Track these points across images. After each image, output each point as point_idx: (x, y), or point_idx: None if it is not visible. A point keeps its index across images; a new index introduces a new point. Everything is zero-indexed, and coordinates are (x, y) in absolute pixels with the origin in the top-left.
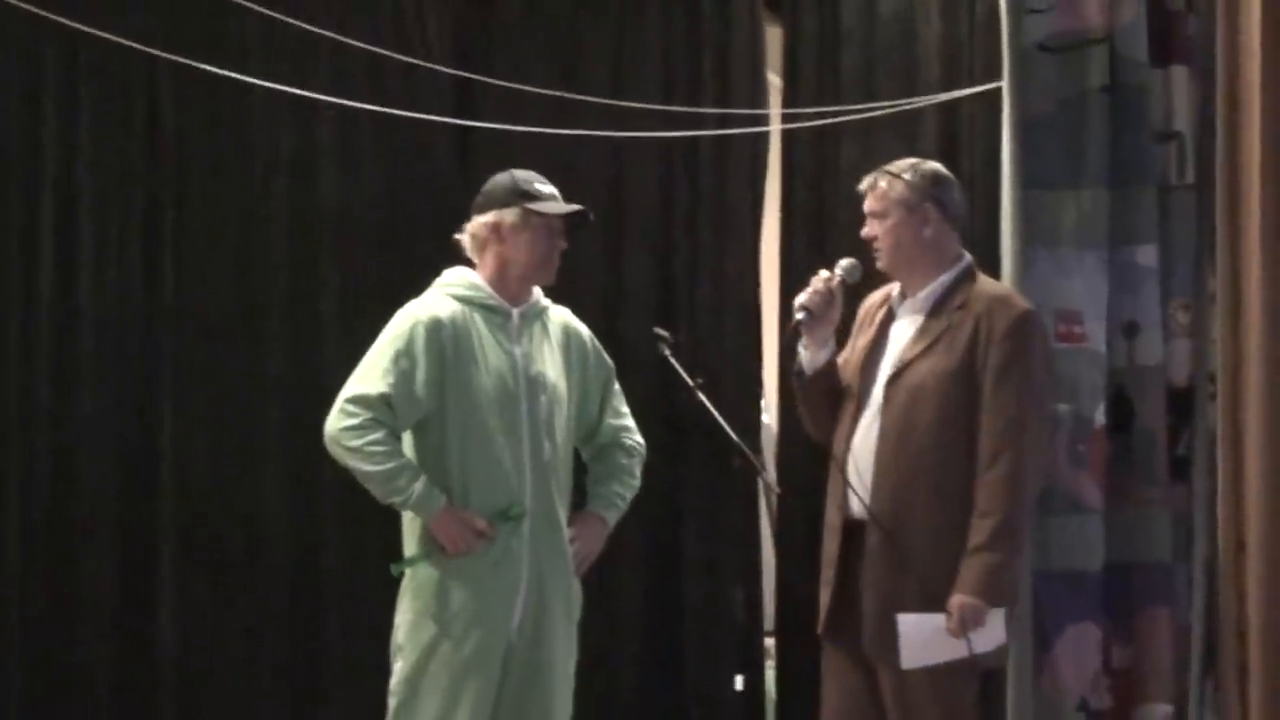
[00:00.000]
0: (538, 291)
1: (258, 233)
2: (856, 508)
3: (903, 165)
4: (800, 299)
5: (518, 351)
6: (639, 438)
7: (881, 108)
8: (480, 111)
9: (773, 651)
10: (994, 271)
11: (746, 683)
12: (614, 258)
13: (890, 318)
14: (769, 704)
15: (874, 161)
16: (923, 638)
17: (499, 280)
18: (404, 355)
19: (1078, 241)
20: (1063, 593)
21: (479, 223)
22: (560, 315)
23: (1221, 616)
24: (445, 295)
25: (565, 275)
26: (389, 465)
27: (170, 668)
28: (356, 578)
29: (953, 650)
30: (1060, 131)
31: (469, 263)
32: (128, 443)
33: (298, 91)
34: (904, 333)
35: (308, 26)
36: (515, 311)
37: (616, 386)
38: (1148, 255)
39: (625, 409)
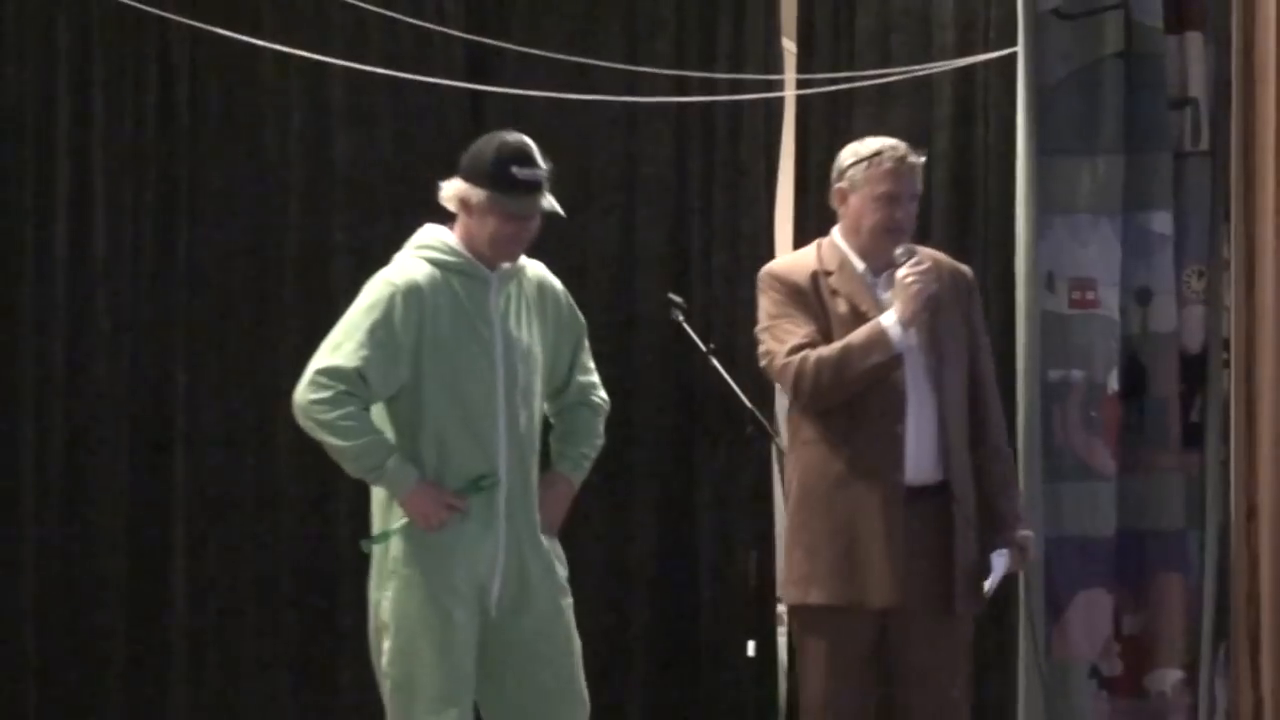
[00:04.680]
0: None
1: (271, 197)
2: (923, 473)
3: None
4: (929, 286)
5: (495, 317)
6: (604, 394)
7: (896, 74)
8: (494, 76)
9: (785, 618)
10: (1008, 238)
11: (759, 648)
12: (628, 224)
13: (871, 286)
14: (780, 670)
15: (889, 128)
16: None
17: (469, 247)
18: (381, 326)
19: (1092, 208)
20: (1074, 559)
21: (452, 189)
22: (535, 272)
23: (1233, 582)
24: (421, 259)
25: (579, 241)
26: (361, 441)
27: (182, 633)
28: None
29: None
30: (1075, 97)
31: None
32: (142, 407)
33: (311, 56)
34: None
35: None
36: (493, 276)
37: (586, 343)
38: (1162, 222)
39: (592, 365)
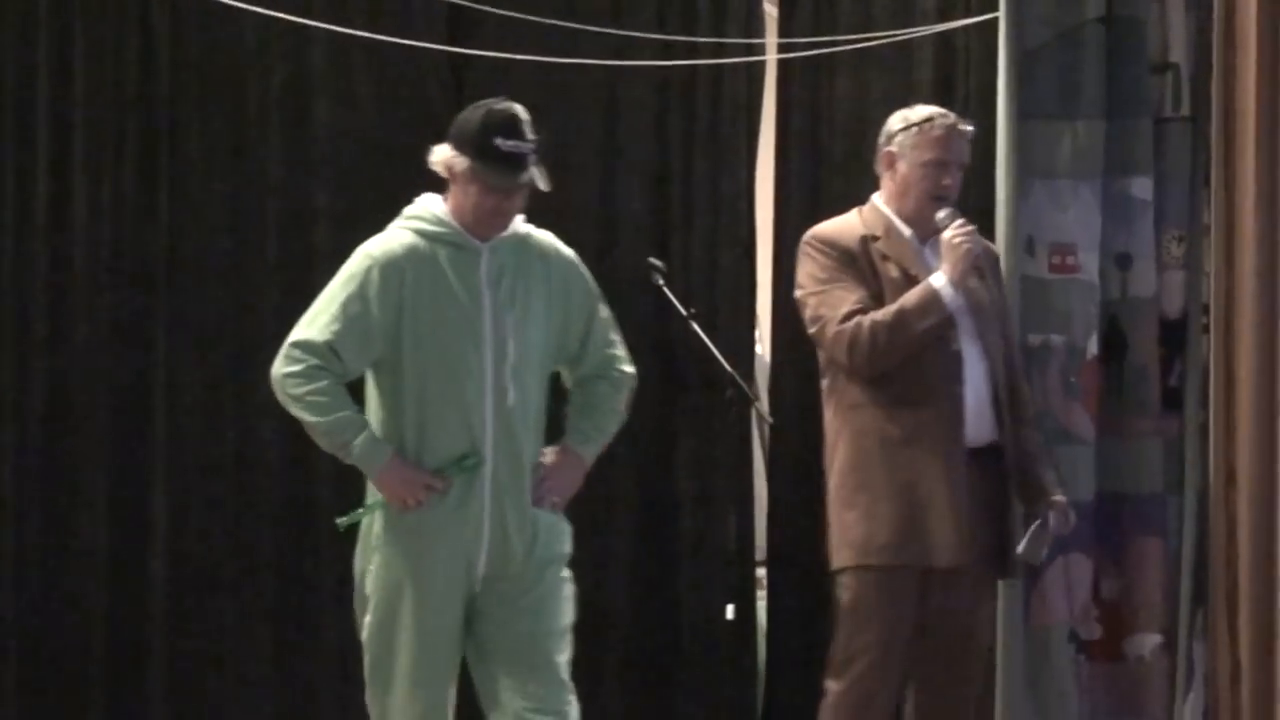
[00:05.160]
0: (517, 220)
1: (252, 160)
2: (979, 435)
3: None
4: (976, 245)
5: (485, 290)
6: (628, 368)
7: (878, 38)
8: (475, 39)
9: (764, 582)
10: (989, 203)
11: (738, 612)
12: (608, 188)
13: (919, 251)
14: (760, 634)
15: (869, 92)
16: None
17: (458, 217)
18: (355, 299)
19: (1073, 173)
20: None
21: (439, 155)
22: (543, 242)
23: (1212, 547)
24: (408, 230)
25: (559, 205)
26: (331, 417)
27: (162, 598)
28: (345, 503)
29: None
30: (1056, 63)
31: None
32: (121, 369)
33: (292, 19)
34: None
35: None
36: (484, 248)
37: (604, 315)
38: (1142, 187)
39: (614, 337)
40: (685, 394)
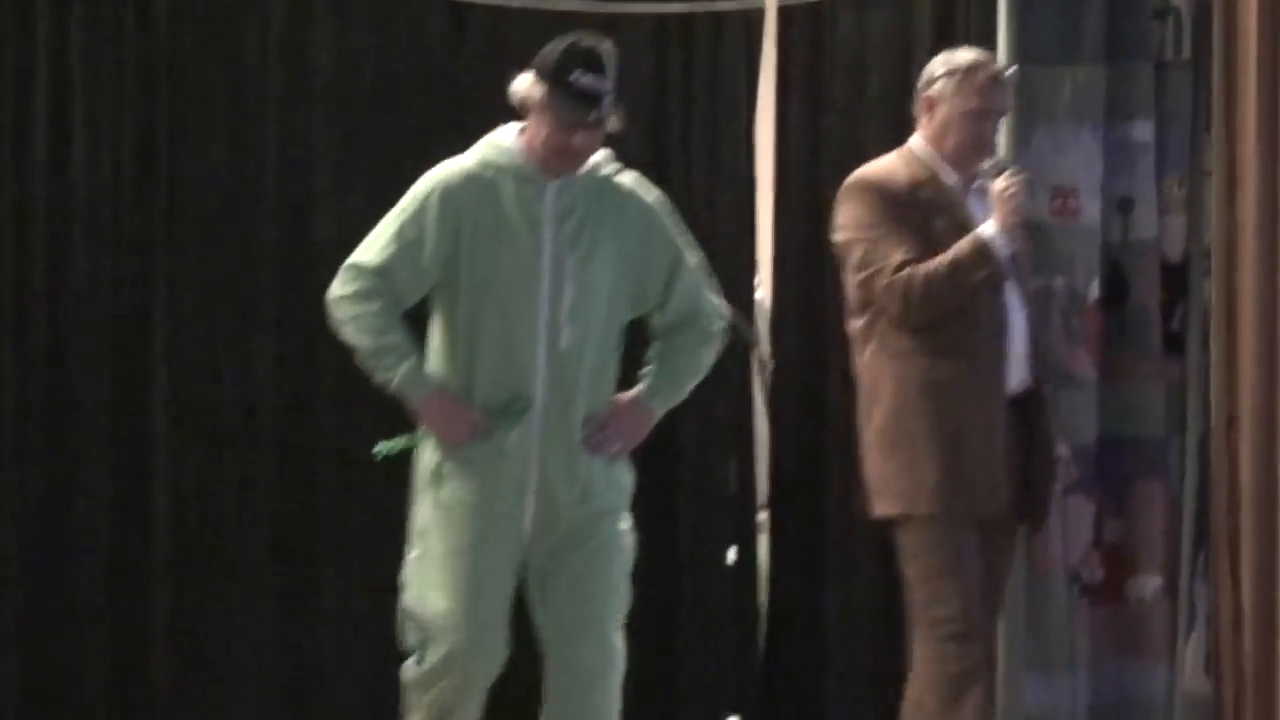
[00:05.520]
0: (597, 158)
1: (250, 106)
2: (1020, 384)
3: None
4: (1027, 196)
5: (547, 228)
6: (717, 320)
7: None
8: None
9: (766, 525)
10: None
11: (739, 555)
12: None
13: (963, 201)
14: (760, 576)
15: (870, 37)
16: None
17: (530, 150)
18: (412, 224)
19: (1074, 117)
20: None
21: (517, 85)
22: (624, 184)
23: (1214, 490)
24: (478, 159)
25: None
26: (376, 342)
27: (166, 542)
28: (350, 453)
29: None
30: (1056, 7)
31: None
32: (121, 316)
33: None
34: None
35: None
36: (550, 185)
37: (692, 263)
38: (1143, 131)
39: (701, 284)
40: None
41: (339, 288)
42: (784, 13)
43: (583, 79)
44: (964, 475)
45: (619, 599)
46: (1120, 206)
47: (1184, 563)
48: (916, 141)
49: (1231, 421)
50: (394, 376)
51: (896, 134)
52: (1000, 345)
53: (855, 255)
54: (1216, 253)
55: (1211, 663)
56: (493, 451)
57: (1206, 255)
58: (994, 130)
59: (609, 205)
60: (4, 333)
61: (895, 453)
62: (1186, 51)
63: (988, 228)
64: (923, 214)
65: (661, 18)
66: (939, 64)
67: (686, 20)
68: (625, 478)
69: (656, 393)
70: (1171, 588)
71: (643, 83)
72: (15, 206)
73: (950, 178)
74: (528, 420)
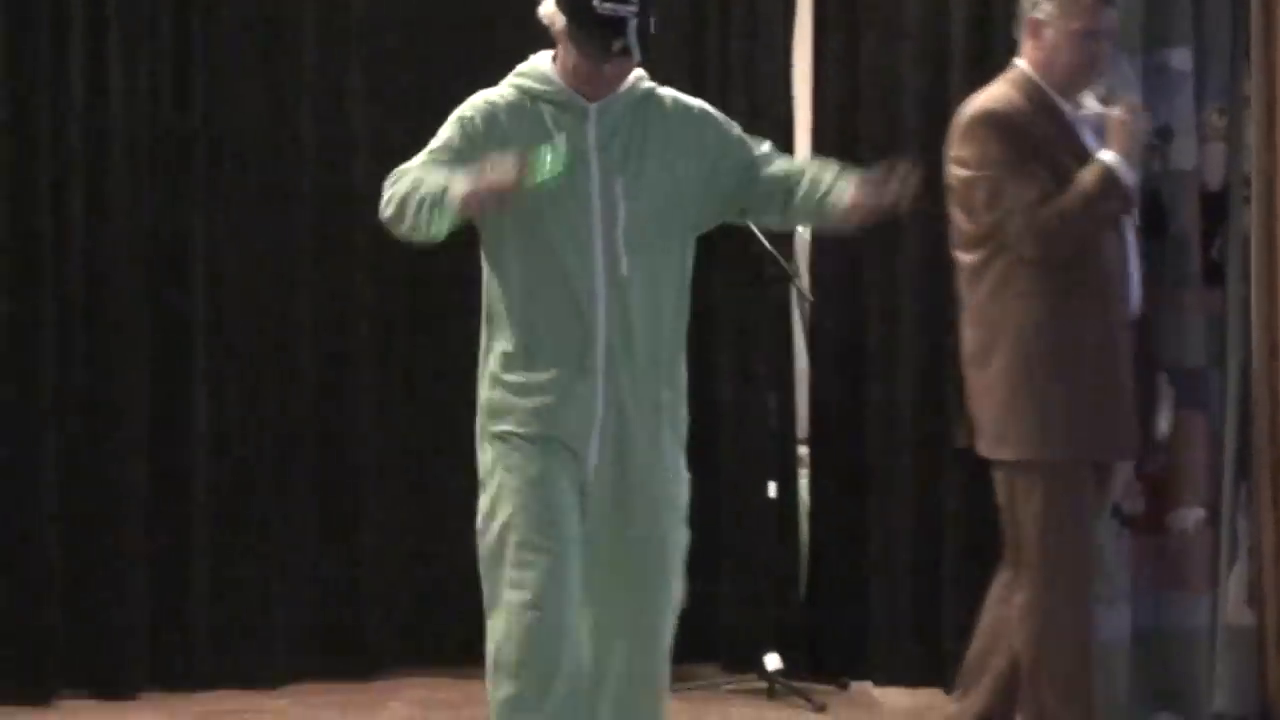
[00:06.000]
0: (634, 76)
1: (286, 43)
2: (1137, 309)
3: None
4: (1140, 136)
5: (593, 153)
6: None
7: None
8: None
9: (806, 460)
10: None
11: (780, 489)
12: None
13: (1074, 127)
14: (802, 511)
15: None
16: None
17: (564, 76)
18: (460, 136)
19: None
20: None
21: (545, 8)
22: (665, 98)
23: (1255, 421)
24: (513, 88)
25: None
26: (421, 176)
27: (203, 480)
28: (385, 390)
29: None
30: None
31: None
32: (159, 253)
33: None
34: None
35: None
36: (591, 108)
37: (761, 147)
38: (1182, 58)
39: (775, 153)
40: (725, 271)
41: (383, 195)
42: None
43: (604, 6)
44: (1097, 422)
45: (677, 551)
46: (1159, 135)
47: (1226, 494)
48: (1024, 64)
49: (1273, 352)
50: (438, 194)
51: (935, 68)
52: (1125, 278)
53: (981, 193)
54: (1257, 181)
55: (1254, 594)
56: (559, 389)
57: (1246, 184)
58: (1104, 53)
59: (653, 122)
60: (44, 268)
61: (1023, 396)
62: None
63: (1110, 156)
64: (1049, 147)
65: None
66: None
67: None
68: (686, 475)
69: (840, 177)
70: (1214, 519)
71: (679, 19)
72: (51, 138)
73: (1065, 105)
74: (592, 354)
